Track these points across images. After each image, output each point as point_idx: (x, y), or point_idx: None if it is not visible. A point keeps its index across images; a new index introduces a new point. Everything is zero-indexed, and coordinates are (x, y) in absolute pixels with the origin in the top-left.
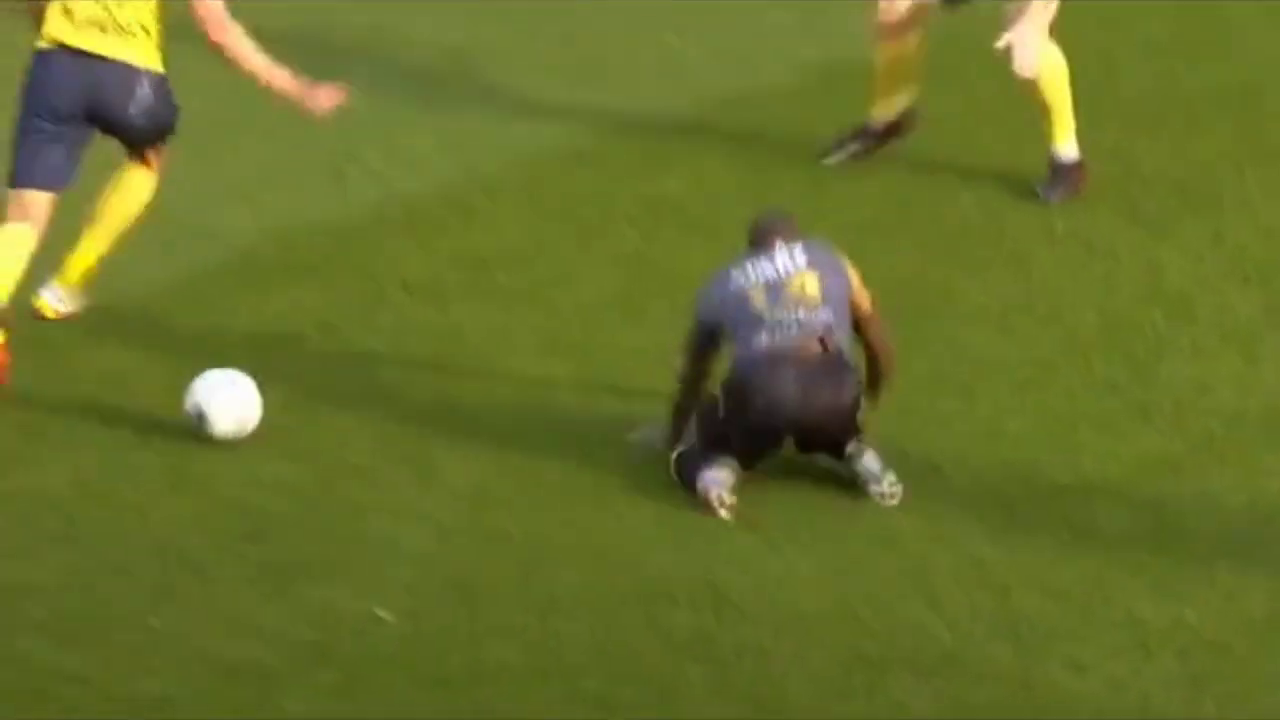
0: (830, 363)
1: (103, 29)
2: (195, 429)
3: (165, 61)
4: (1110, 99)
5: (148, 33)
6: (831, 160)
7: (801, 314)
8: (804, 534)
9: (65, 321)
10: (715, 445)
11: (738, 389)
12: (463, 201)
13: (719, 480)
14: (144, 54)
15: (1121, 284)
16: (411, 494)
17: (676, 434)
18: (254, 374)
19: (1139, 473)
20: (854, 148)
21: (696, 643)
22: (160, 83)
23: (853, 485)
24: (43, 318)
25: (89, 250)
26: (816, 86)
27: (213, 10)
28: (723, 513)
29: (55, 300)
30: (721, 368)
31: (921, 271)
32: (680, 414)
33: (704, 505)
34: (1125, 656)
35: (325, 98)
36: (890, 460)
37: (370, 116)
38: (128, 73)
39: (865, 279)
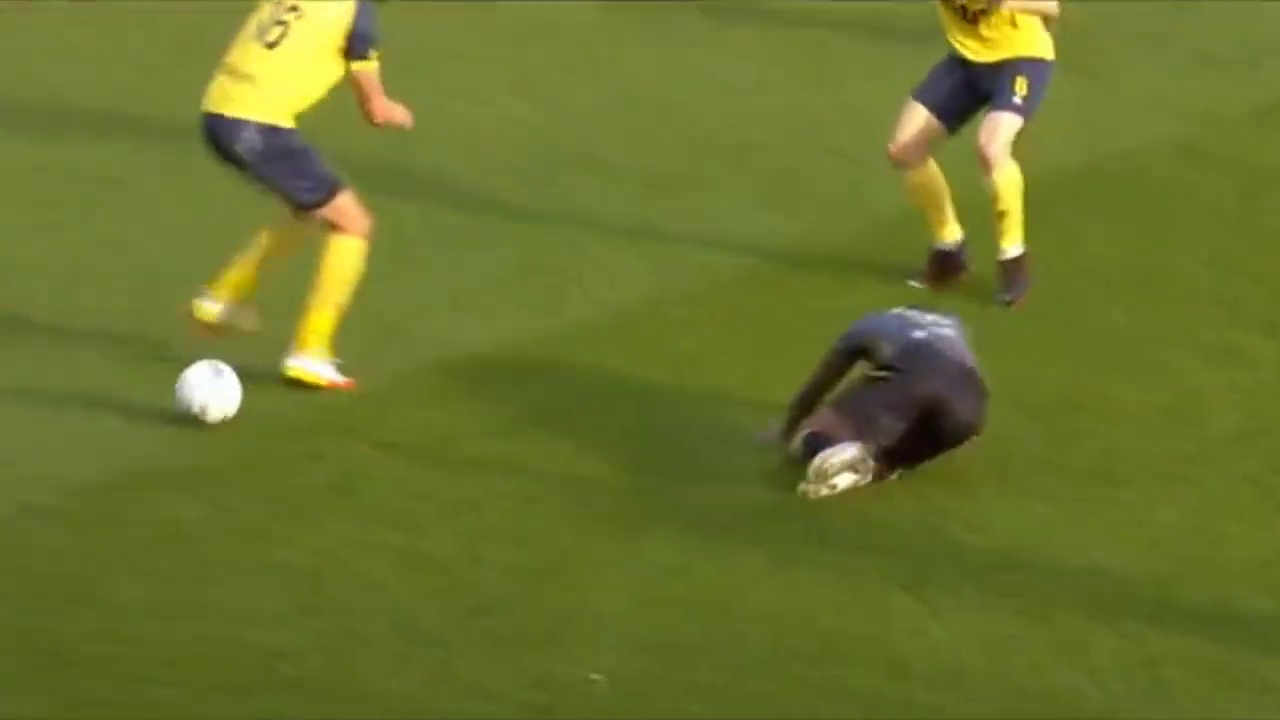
0: (976, 381)
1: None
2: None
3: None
4: (1250, 225)
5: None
6: (913, 283)
7: (955, 339)
8: (968, 603)
9: (316, 413)
10: (860, 427)
11: (906, 357)
12: (663, 314)
13: (856, 450)
14: (258, 105)
15: (1261, 390)
16: (617, 568)
17: (793, 425)
18: (488, 462)
19: (1277, 559)
20: (922, 276)
21: (871, 702)
22: (270, 132)
23: (1012, 557)
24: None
25: (318, 316)
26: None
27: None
28: (854, 477)
29: (302, 364)
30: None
31: (1077, 377)
32: (801, 409)
33: (836, 469)
34: None
35: (400, 114)
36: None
37: (583, 237)
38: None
39: (1023, 384)
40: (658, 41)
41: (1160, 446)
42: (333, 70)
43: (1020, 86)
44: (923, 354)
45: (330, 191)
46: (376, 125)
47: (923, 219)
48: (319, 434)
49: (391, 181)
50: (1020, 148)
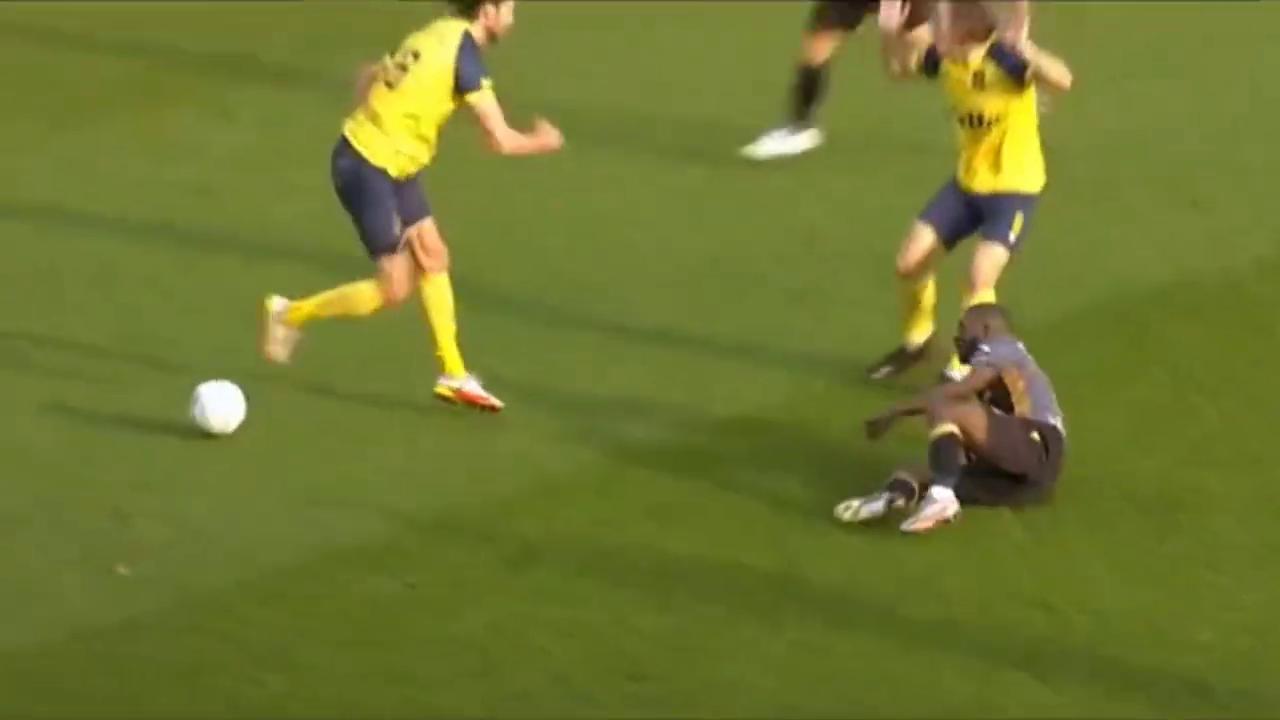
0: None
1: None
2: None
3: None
4: None
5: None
6: (875, 375)
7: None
8: (1078, 677)
9: (489, 500)
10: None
11: (1044, 443)
12: (798, 411)
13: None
14: (369, 140)
15: None
16: (759, 641)
17: (910, 412)
18: (643, 543)
19: None
20: (888, 369)
21: None
22: (362, 164)
23: (1118, 635)
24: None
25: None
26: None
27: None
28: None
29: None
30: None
31: (1177, 472)
32: (913, 410)
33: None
34: None
35: (553, 137)
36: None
37: (727, 341)
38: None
39: (1127, 478)
40: (794, 166)
41: (1251, 535)
42: (442, 106)
43: (1017, 225)
44: (1055, 448)
45: (375, 250)
46: (506, 154)
47: (901, 317)
48: (494, 518)
49: (551, 290)
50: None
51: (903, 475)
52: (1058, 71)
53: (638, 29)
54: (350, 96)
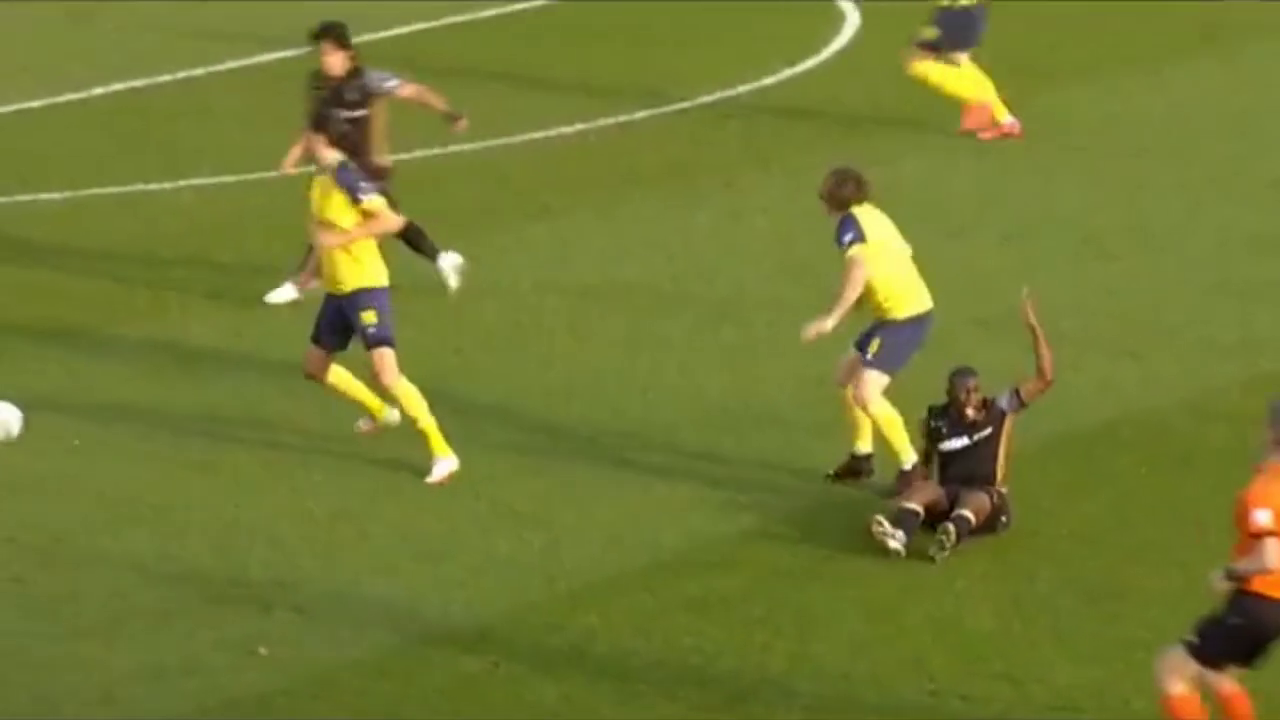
0: None
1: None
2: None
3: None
4: (1248, 467)
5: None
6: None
7: None
8: None
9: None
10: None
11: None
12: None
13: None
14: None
15: None
16: (774, 715)
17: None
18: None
19: None
20: (848, 478)
21: None
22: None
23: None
24: None
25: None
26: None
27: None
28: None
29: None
30: None
31: (1115, 569)
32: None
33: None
34: None
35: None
36: None
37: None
38: None
39: (1078, 576)
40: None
41: (1183, 621)
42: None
43: (872, 347)
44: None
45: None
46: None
47: (847, 427)
48: (561, 610)
49: (610, 430)
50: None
51: (909, 505)
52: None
53: (677, 215)
54: None
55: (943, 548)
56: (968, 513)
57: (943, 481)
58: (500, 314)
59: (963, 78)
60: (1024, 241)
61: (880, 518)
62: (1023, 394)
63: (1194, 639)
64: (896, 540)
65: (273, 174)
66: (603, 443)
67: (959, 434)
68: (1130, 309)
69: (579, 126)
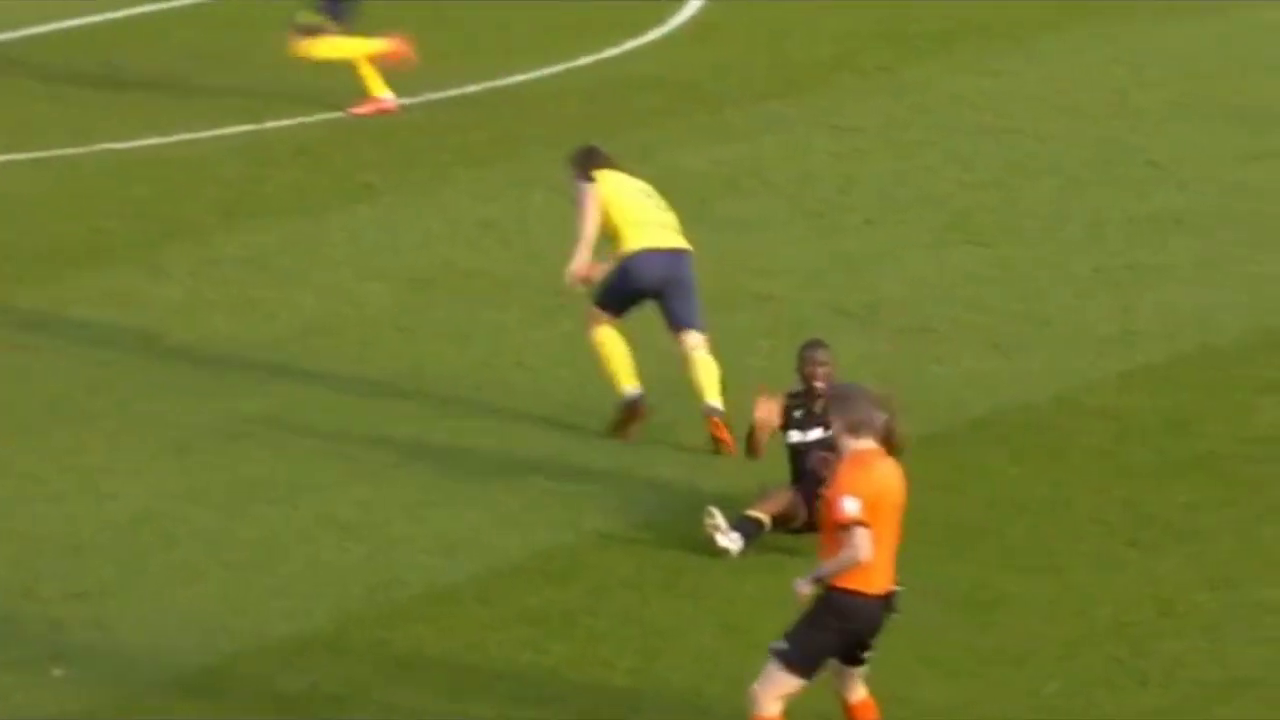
0: None
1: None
2: None
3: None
4: (1120, 463)
5: None
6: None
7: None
8: None
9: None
10: None
11: None
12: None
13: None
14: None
15: (1131, 587)
16: None
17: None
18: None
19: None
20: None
21: None
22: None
23: None
24: None
25: None
26: None
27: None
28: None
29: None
30: None
31: (984, 576)
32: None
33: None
34: None
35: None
36: None
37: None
38: None
39: (947, 584)
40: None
41: (1053, 633)
42: None
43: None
44: None
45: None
46: None
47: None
48: (389, 623)
49: (443, 422)
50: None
51: (752, 514)
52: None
53: (512, 195)
54: None
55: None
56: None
57: (798, 480)
58: (319, 304)
59: (351, 46)
60: (887, 225)
61: (714, 509)
62: None
63: (784, 646)
64: (729, 540)
65: None
66: (432, 443)
67: (815, 424)
68: (1000, 298)
69: (405, 101)
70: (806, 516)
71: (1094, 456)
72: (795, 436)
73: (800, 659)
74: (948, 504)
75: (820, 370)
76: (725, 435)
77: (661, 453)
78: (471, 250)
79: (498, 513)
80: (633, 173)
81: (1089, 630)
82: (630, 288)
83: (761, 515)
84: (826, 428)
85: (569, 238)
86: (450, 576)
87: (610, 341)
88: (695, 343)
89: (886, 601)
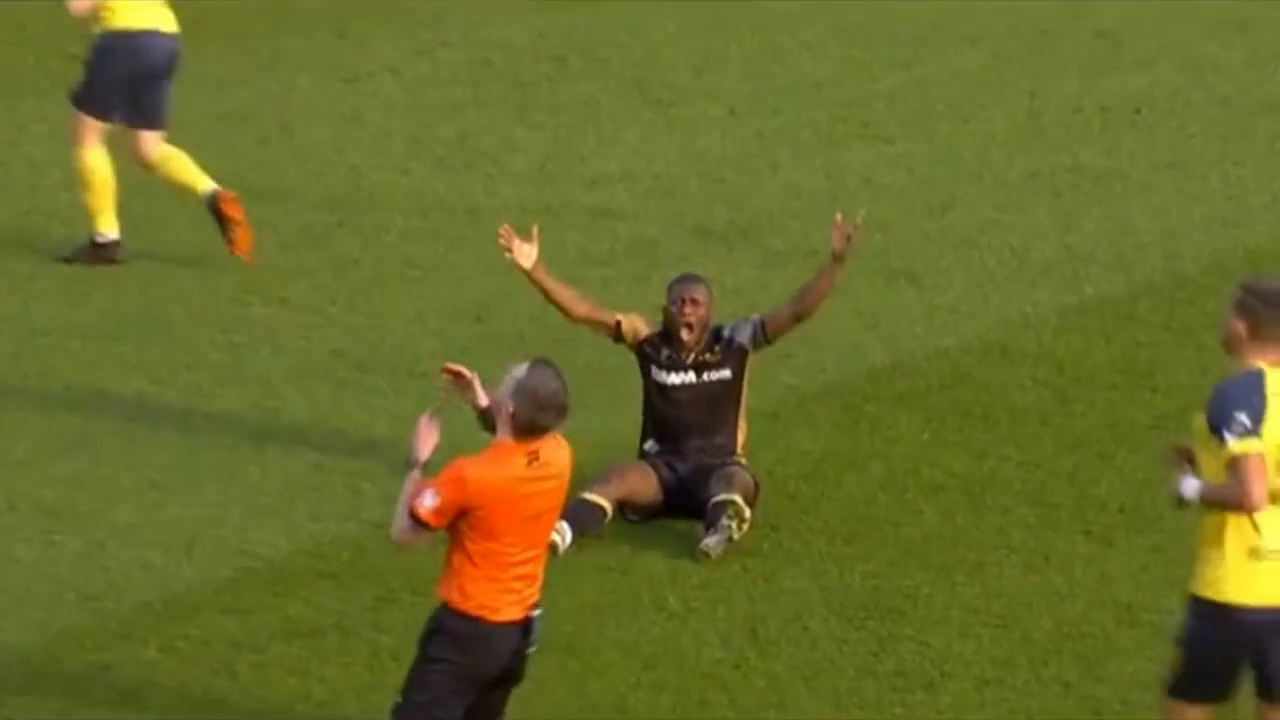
0: None
1: None
2: None
3: None
4: (1061, 425)
5: None
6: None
7: None
8: None
9: (106, 620)
10: None
11: None
12: None
13: None
14: None
15: (1074, 594)
16: None
17: None
18: (278, 666)
19: None
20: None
21: None
22: None
23: None
24: None
25: None
26: None
27: None
28: None
29: None
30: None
31: (892, 580)
32: None
33: None
34: None
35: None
36: None
37: (380, 437)
38: None
39: (839, 588)
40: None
41: (976, 650)
42: None
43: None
44: None
45: None
46: None
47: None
48: (111, 641)
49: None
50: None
51: (590, 498)
52: None
53: (272, 80)
54: None
55: (708, 551)
56: (735, 496)
57: (657, 433)
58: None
59: None
60: (758, 116)
61: None
62: (768, 326)
63: (399, 700)
64: (554, 534)
65: None
66: (165, 405)
67: (679, 368)
68: (906, 211)
69: None
70: (662, 498)
71: (1029, 419)
72: (659, 377)
73: (420, 713)
74: (838, 482)
75: (688, 310)
76: (237, 213)
77: (462, 418)
78: (218, 152)
79: (252, 498)
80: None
81: (1023, 646)
82: (129, 74)
83: (601, 500)
84: (697, 374)
85: (348, 133)
86: (188, 580)
87: (104, 169)
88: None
89: (523, 630)
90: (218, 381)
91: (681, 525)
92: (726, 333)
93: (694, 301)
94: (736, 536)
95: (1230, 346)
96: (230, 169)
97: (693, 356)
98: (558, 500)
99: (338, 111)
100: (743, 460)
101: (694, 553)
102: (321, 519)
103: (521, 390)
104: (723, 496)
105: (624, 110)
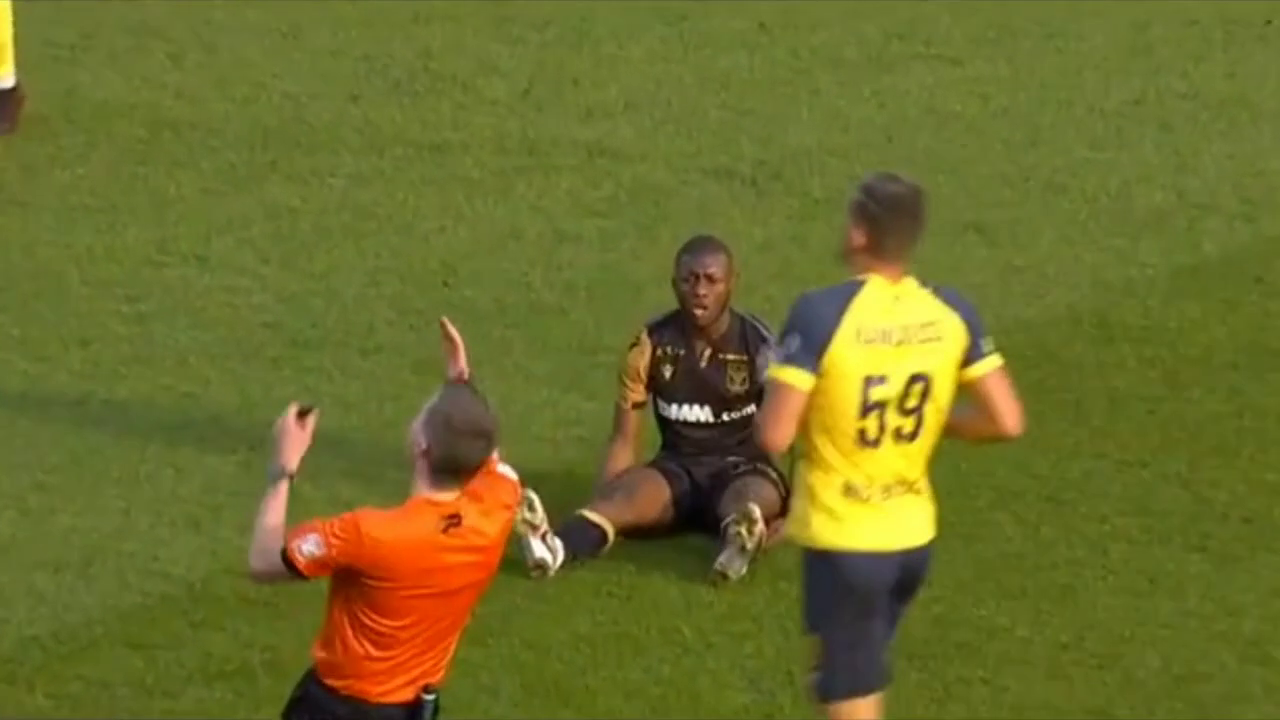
0: None
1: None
2: None
3: None
4: (1171, 414)
5: None
6: None
7: None
8: None
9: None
10: None
11: None
12: None
13: None
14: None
15: (1187, 624)
16: None
17: None
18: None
19: None
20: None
21: None
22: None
23: None
24: None
25: None
26: None
27: None
28: None
29: None
30: None
31: (964, 611)
32: None
33: None
34: None
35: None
36: None
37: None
38: None
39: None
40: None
41: (1066, 696)
42: None
43: None
44: None
45: None
46: None
47: None
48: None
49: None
50: None
51: (590, 516)
52: None
53: None
54: None
55: (724, 570)
56: (748, 505)
57: (670, 448)
58: None
59: None
60: (793, 33)
61: (533, 496)
62: None
63: None
64: (544, 549)
65: None
66: (55, 390)
67: (692, 397)
68: (979, 150)
69: None
70: (673, 514)
71: (1131, 407)
72: (669, 412)
73: None
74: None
75: (708, 293)
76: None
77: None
78: None
79: (164, 505)
80: None
81: (1124, 691)
82: None
83: (602, 521)
84: (726, 404)
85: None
86: (85, 608)
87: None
88: None
89: (408, 715)
90: (122, 360)
91: (697, 540)
92: (759, 346)
93: (709, 279)
94: (750, 546)
95: (846, 257)
96: (139, 95)
97: (710, 352)
98: (483, 575)
99: (271, 25)
100: (772, 464)
101: (711, 575)
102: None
103: (433, 419)
104: (733, 515)
105: (627, 23)
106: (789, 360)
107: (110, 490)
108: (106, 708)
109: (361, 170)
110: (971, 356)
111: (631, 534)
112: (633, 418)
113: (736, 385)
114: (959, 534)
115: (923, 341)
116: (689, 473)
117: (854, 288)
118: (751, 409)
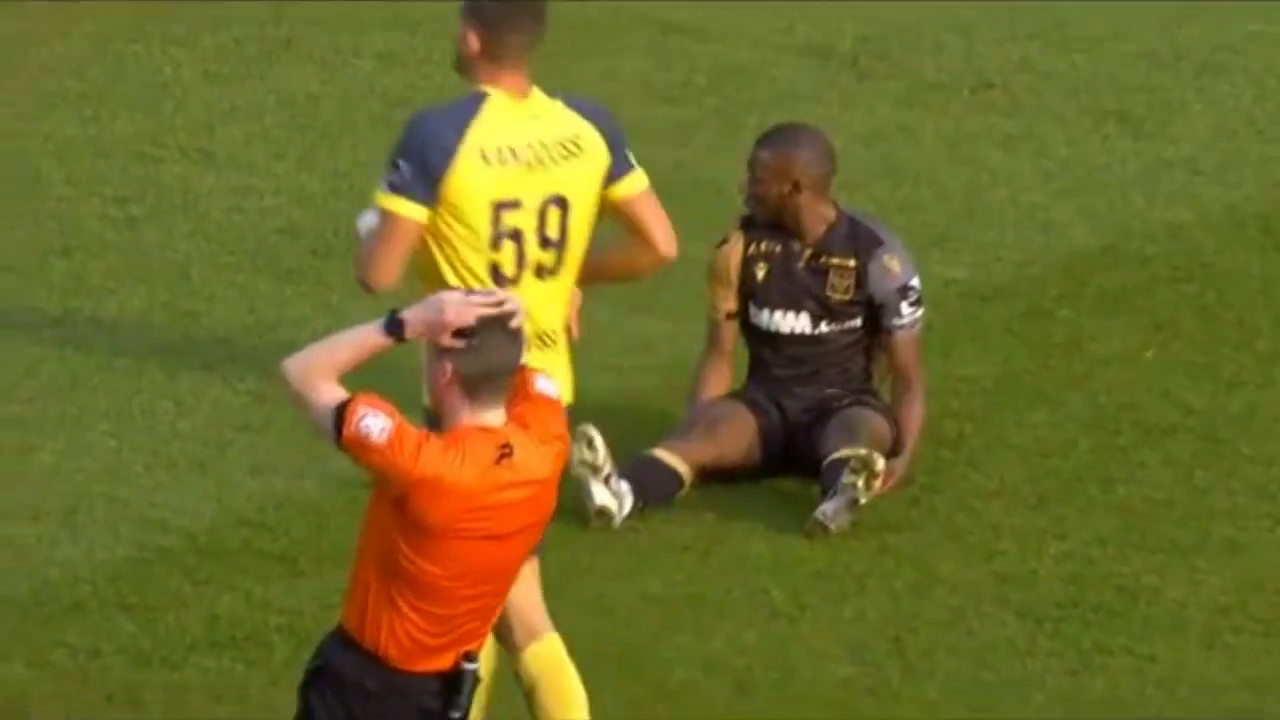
0: None
1: None
2: None
3: None
4: None
5: None
6: None
7: None
8: None
9: None
10: None
11: None
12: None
13: None
14: None
15: None
16: None
17: None
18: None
19: None
20: None
21: None
22: None
23: None
24: None
25: None
26: None
27: None
28: None
29: None
30: None
31: (1103, 564)
32: None
33: None
34: None
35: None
36: None
37: None
38: None
39: (1018, 573)
40: None
41: (1225, 668)
42: None
43: None
44: None
45: None
46: None
47: None
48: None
49: None
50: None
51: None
52: None
53: None
54: None
55: (825, 522)
56: (861, 450)
57: (760, 374)
58: None
59: None
60: None
61: (593, 431)
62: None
63: None
64: (608, 494)
65: None
66: (33, 308)
67: (788, 302)
68: (1123, 19)
69: None
70: (760, 454)
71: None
72: (761, 320)
73: None
74: (1020, 423)
75: (751, 184)
76: None
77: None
78: None
79: (162, 444)
80: None
81: None
82: None
83: (677, 462)
84: (826, 312)
85: None
86: (70, 563)
87: None
88: None
89: (446, 685)
90: (110, 272)
91: (789, 485)
92: (874, 250)
93: (754, 165)
94: (864, 500)
95: (462, 68)
96: None
97: (810, 253)
98: (537, 518)
99: None
100: (877, 396)
101: (807, 526)
102: (263, 473)
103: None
104: (845, 452)
105: None
106: (397, 189)
107: (99, 425)
108: (95, 680)
109: (391, 49)
110: (615, 174)
111: (711, 477)
112: (728, 330)
113: (839, 293)
114: (1097, 477)
115: (558, 159)
116: (779, 406)
117: (475, 102)
118: (856, 323)
